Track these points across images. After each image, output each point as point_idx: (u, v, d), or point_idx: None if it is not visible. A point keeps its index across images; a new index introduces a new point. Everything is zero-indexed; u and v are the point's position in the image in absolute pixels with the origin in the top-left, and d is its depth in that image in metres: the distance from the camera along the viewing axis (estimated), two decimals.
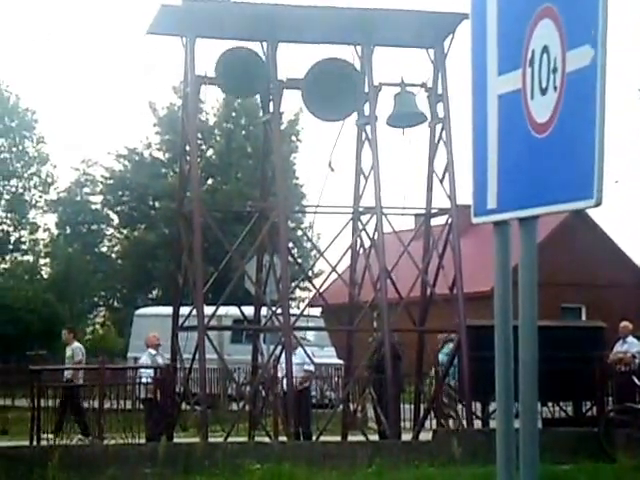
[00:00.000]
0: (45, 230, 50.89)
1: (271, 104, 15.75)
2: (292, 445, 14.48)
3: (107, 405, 16.41)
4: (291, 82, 15.88)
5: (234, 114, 45.28)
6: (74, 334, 19.56)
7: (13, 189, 50.14)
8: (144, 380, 16.56)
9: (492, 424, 15.00)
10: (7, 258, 50.15)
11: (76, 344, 19.10)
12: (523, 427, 3.66)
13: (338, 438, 16.24)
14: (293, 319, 16.03)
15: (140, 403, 17.00)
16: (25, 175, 50.20)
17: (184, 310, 16.36)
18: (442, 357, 18.03)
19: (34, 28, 71.94)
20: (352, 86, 15.70)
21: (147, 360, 17.28)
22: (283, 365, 15.39)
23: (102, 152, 68.83)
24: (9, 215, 50.29)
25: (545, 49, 3.48)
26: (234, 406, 20.70)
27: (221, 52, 15.42)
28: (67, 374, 18.30)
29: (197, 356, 15.09)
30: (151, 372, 16.73)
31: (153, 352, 17.34)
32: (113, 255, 49.75)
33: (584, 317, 36.92)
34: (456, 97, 16.09)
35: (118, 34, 73.64)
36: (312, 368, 17.02)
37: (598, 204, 3.27)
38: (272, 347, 16.60)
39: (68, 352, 18.96)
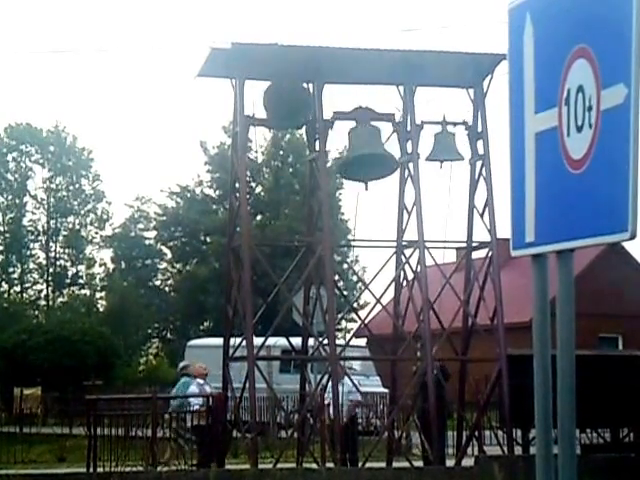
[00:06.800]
0: (101, 265, 51.94)
1: (317, 142, 16.10)
2: (339, 471, 14.58)
3: (160, 433, 16.70)
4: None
5: (282, 152, 45.97)
6: None
7: (70, 225, 51.25)
8: (195, 408, 16.92)
9: (532, 450, 15.04)
10: (65, 292, 51.17)
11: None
12: (562, 453, 3.67)
13: (383, 464, 16.46)
14: (339, 349, 16.22)
15: (190, 431, 17.31)
16: (82, 212, 51.30)
17: (234, 341, 16.38)
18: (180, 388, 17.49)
19: (90, 71, 73.70)
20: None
21: (195, 390, 17.44)
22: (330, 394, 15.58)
23: (155, 190, 70.22)
24: (67, 251, 51.36)
25: (580, 88, 3.54)
26: (283, 433, 20.93)
27: (266, 87, 15.68)
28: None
29: (247, 385, 15.24)
30: (200, 401, 16.95)
31: (201, 382, 17.57)
32: (166, 289, 50.46)
33: (621, 346, 36.99)
34: (495, 135, 16.43)
35: (170, 76, 75.07)
36: (359, 397, 17.28)
37: (632, 237, 3.29)
38: (319, 376, 16.88)
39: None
